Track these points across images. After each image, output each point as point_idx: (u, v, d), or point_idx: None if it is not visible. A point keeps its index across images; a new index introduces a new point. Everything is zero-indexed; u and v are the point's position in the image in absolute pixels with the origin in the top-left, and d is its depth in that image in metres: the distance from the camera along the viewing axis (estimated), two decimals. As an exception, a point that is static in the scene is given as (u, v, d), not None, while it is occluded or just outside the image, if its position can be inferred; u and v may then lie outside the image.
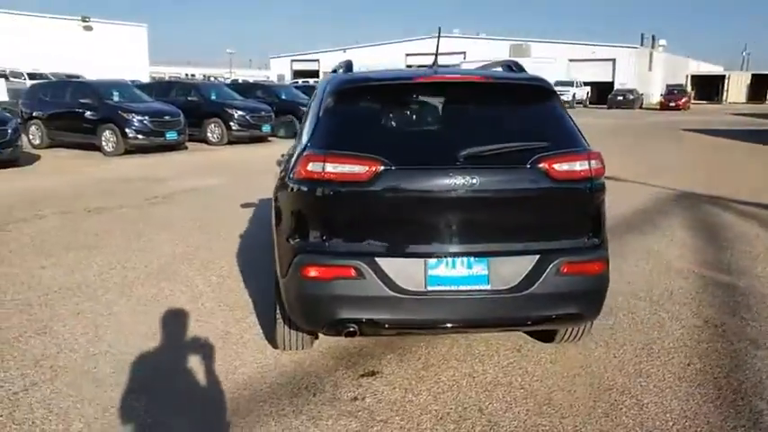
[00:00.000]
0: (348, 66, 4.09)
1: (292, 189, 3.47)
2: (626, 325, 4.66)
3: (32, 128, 16.31)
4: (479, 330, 4.02)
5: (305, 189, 3.39)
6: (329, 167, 3.30)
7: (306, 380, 3.76)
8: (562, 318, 3.52)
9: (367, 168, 3.26)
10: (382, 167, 3.25)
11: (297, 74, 66.95)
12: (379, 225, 3.38)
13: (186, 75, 65.66)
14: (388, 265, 3.32)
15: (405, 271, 3.34)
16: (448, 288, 3.36)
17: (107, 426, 3.24)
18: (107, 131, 15.12)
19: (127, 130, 15.00)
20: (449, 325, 3.48)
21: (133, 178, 11.55)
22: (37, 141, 16.31)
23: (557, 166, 3.37)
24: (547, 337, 4.25)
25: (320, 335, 3.98)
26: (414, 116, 3.71)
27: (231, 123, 18.08)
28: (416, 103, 3.70)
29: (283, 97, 21.45)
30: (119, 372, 3.81)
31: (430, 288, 3.35)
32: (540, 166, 3.35)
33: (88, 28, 48.54)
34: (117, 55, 46.79)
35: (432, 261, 3.36)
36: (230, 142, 18.00)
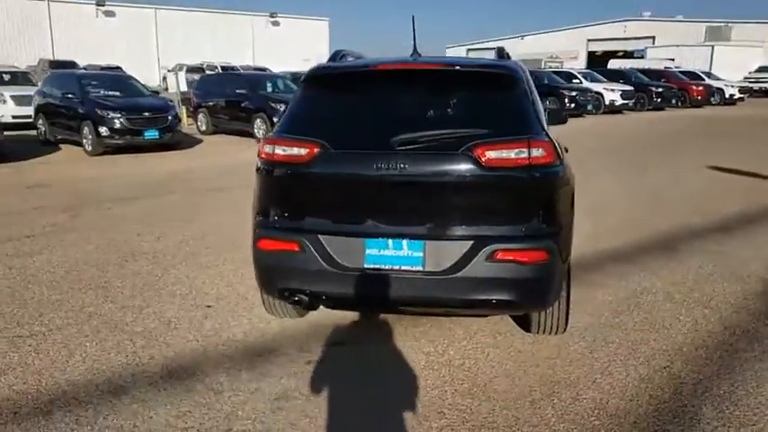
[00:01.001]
0: (333, 56, 4.37)
1: (256, 170, 3.87)
2: (632, 324, 4.45)
3: (200, 115, 18.36)
4: (416, 310, 4.12)
5: (262, 170, 3.78)
6: (278, 150, 3.66)
7: (278, 342, 4.16)
8: (495, 304, 3.55)
9: (306, 151, 3.56)
10: (320, 150, 3.54)
11: (471, 63, 66.75)
12: (320, 204, 3.67)
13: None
14: (328, 242, 3.60)
15: (344, 249, 3.59)
16: (384, 267, 3.55)
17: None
18: (258, 120, 16.62)
19: (275, 119, 16.36)
20: (384, 302, 3.67)
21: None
22: (203, 128, 18.32)
23: (488, 154, 3.41)
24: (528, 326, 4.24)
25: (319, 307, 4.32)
26: (368, 103, 3.90)
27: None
28: (374, 90, 3.89)
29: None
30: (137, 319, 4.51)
31: (367, 266, 3.56)
32: (472, 153, 3.41)
33: (275, 23, 52.69)
34: (301, 48, 50.29)
35: (369, 240, 3.57)
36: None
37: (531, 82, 4.09)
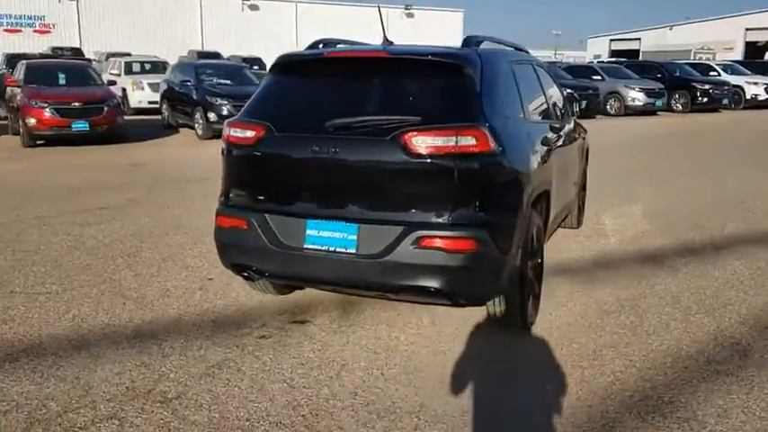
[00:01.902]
0: (313, 44, 4.46)
1: (221, 151, 4.10)
2: (612, 327, 4.18)
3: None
4: (351, 291, 4.11)
5: (223, 150, 4.01)
6: (232, 132, 3.87)
7: (247, 316, 4.36)
8: (423, 291, 3.52)
9: (254, 133, 3.73)
10: (265, 133, 3.69)
11: (614, 53, 63.49)
12: (267, 184, 3.83)
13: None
14: (274, 221, 3.75)
15: (287, 228, 3.72)
16: (321, 248, 3.64)
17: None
18: (197, 114, 15.55)
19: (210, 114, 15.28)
20: (321, 282, 3.75)
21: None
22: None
23: (415, 141, 3.39)
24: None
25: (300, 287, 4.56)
26: (316, 88, 3.98)
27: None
28: (323, 76, 3.99)
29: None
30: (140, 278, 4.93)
31: (306, 246, 3.67)
32: (399, 140, 3.40)
33: (410, 15, 53.22)
34: (435, 40, 50.44)
35: (310, 222, 3.67)
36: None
37: (503, 71, 4.02)
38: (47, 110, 12.60)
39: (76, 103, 12.90)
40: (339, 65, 3.93)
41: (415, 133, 3.39)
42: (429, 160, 3.40)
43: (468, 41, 4.13)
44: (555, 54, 74.01)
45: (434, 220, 3.45)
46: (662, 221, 6.98)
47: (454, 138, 3.37)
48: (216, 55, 39.46)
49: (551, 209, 4.46)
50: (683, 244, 6.15)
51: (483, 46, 4.20)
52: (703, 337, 4.01)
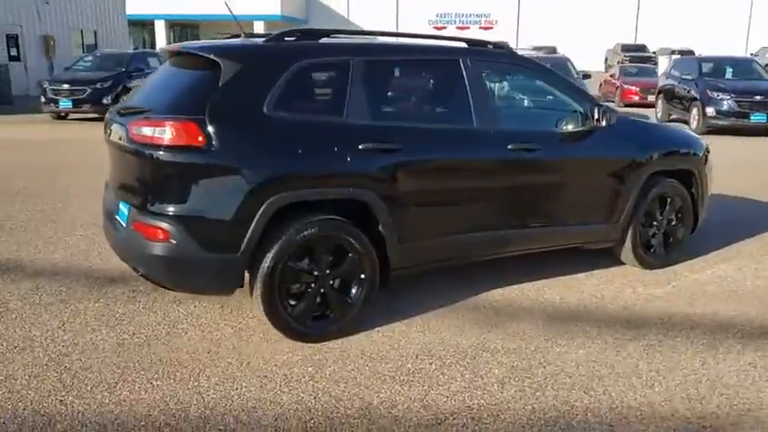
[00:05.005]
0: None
1: None
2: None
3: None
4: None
5: None
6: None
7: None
8: (145, 274, 3.77)
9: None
10: (108, 116, 4.29)
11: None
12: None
13: None
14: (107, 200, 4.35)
15: (115, 207, 4.11)
16: (119, 220, 4.00)
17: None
18: (695, 109, 14.76)
19: (708, 109, 14.18)
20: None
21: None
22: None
23: (132, 129, 3.64)
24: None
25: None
26: (153, 76, 4.38)
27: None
28: (165, 66, 4.33)
29: None
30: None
31: (118, 222, 4.01)
32: (127, 127, 3.69)
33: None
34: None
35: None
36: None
37: (269, 67, 3.73)
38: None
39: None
40: (170, 57, 4.29)
41: (134, 123, 3.62)
42: (140, 148, 3.59)
43: (279, 36, 3.92)
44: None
45: (143, 205, 3.63)
46: None
47: (160, 129, 3.46)
48: (641, 47, 37.91)
49: (389, 225, 3.90)
50: None
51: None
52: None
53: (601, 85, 24.94)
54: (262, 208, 3.52)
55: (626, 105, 21.20)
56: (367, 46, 4.29)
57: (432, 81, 4.64)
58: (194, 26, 44.59)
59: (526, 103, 6.20)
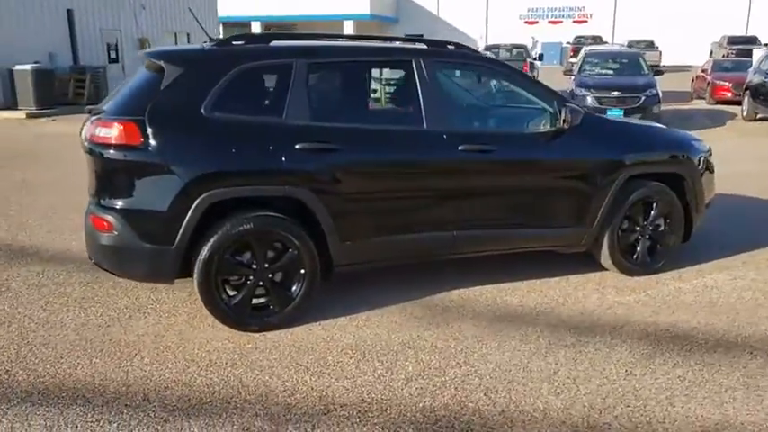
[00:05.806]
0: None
1: None
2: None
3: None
4: None
5: None
6: None
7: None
8: (97, 262, 4.11)
9: None
10: None
11: None
12: None
13: None
14: None
15: None
16: None
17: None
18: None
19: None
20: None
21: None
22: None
23: (87, 128, 3.98)
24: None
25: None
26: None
27: None
28: None
29: None
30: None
31: None
32: (89, 125, 4.02)
33: None
34: None
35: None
36: None
37: (214, 70, 3.94)
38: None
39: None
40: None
41: (92, 122, 3.94)
42: (94, 147, 3.92)
43: (227, 40, 4.12)
44: None
45: (97, 200, 3.99)
46: None
47: (107, 129, 3.79)
48: (752, 40, 35.45)
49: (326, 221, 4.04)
50: None
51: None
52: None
53: (693, 80, 23.57)
54: (195, 203, 3.77)
55: (717, 102, 19.98)
56: (313, 48, 4.42)
57: (381, 82, 4.73)
58: (290, 27, 46.12)
59: (489, 103, 6.10)
